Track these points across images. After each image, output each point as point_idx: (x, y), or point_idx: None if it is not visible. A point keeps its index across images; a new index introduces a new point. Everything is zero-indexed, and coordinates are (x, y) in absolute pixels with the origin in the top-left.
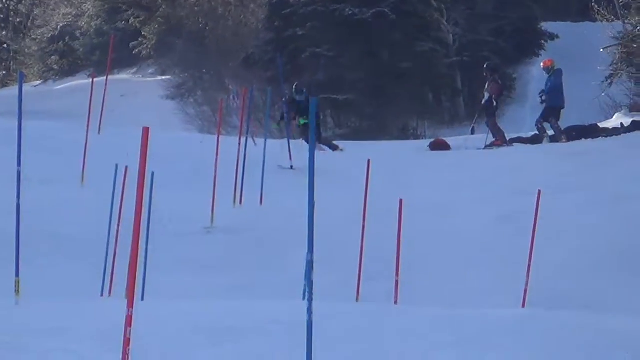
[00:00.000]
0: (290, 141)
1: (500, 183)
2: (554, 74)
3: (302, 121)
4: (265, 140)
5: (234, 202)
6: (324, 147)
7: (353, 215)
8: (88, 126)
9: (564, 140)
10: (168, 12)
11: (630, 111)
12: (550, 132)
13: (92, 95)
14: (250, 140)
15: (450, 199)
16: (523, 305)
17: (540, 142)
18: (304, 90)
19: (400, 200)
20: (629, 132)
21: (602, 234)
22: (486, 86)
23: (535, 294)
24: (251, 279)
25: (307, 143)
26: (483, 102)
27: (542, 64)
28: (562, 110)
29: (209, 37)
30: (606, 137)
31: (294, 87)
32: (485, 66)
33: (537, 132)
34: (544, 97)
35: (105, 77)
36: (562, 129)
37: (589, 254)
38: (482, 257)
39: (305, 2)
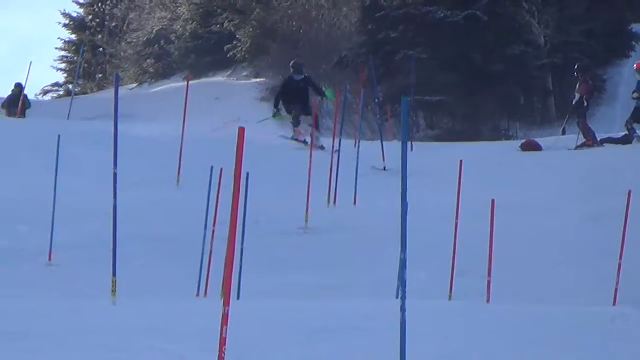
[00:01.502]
0: (384, 142)
1: (591, 183)
2: None
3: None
4: (359, 141)
5: (328, 202)
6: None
7: (445, 214)
8: (183, 128)
9: None
10: (262, 16)
11: None
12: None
13: (187, 97)
14: (344, 141)
15: (541, 199)
16: (614, 304)
17: (630, 143)
18: (303, 70)
19: (492, 200)
20: None
21: None
22: (577, 87)
23: (625, 292)
24: (345, 278)
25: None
26: (574, 102)
27: (634, 66)
28: None
29: (302, 39)
30: None
31: (291, 64)
32: (575, 67)
33: (626, 133)
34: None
35: (200, 81)
36: None
37: None
38: (573, 255)
39: (397, 5)
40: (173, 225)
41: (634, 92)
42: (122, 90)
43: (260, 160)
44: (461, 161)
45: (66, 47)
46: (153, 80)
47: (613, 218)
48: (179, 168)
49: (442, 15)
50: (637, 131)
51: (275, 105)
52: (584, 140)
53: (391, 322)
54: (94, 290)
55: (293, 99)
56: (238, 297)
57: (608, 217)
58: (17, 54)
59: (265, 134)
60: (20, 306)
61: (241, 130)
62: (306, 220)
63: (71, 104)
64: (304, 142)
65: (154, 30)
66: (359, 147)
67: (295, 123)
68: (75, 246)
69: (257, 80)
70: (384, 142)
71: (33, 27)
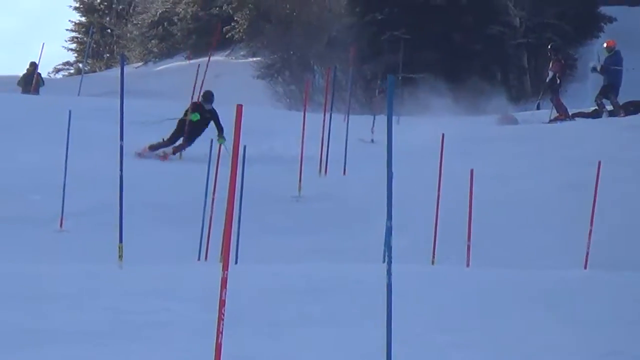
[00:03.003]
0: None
1: (564, 154)
2: (614, 55)
3: (194, 117)
4: (348, 115)
5: (319, 172)
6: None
7: (428, 184)
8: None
9: (622, 115)
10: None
11: None
12: (609, 107)
13: (193, 76)
14: (335, 115)
15: (517, 169)
16: (585, 267)
17: (600, 117)
18: (213, 100)
19: (471, 170)
20: None
21: None
22: (550, 65)
23: (596, 256)
24: (335, 244)
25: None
26: (547, 79)
27: (605, 44)
28: (619, 88)
29: (295, 21)
30: None
31: (202, 95)
32: (549, 47)
33: (596, 107)
34: (595, 67)
35: (201, 60)
36: (620, 104)
37: None
38: (548, 222)
39: None
40: (176, 194)
41: (593, 67)
42: (128, 69)
43: (257, 134)
44: (443, 134)
45: (77, 29)
46: (157, 59)
47: (584, 187)
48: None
49: None
50: (606, 106)
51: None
52: (557, 114)
53: (378, 284)
54: (102, 256)
55: (192, 127)
56: (236, 262)
57: (580, 186)
58: (29, 29)
59: (261, 109)
60: (32, 270)
61: (239, 107)
62: (299, 190)
63: (81, 82)
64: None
65: (158, 13)
66: (348, 120)
67: (168, 144)
68: (85, 214)
69: (254, 59)
70: (370, 116)
71: (42, 3)
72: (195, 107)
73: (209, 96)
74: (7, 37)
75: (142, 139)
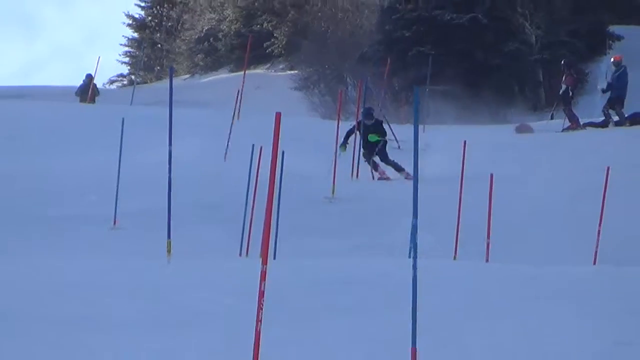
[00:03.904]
0: (397, 125)
1: (576, 160)
2: (621, 70)
3: (372, 138)
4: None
5: (352, 176)
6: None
7: (451, 186)
8: (237, 113)
9: (628, 125)
10: (296, 17)
11: None
12: (615, 118)
13: (236, 87)
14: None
15: (533, 174)
16: (594, 263)
17: (607, 126)
18: (373, 114)
19: (491, 175)
20: None
21: None
22: (563, 79)
23: (604, 253)
24: (365, 241)
25: (375, 162)
26: (560, 92)
27: (612, 58)
28: (624, 99)
29: (330, 38)
30: None
31: (363, 110)
32: (562, 62)
33: (604, 118)
34: (603, 89)
35: (241, 72)
36: (626, 115)
37: None
38: (561, 222)
39: (411, 9)
40: (220, 195)
41: (602, 89)
42: (176, 81)
43: (294, 140)
44: (465, 141)
45: (129, 44)
46: (203, 72)
47: (594, 190)
48: (227, 145)
49: (449, 17)
50: (612, 117)
51: (345, 141)
52: (570, 124)
53: (404, 278)
54: (152, 251)
55: (364, 143)
56: (274, 258)
57: (590, 189)
58: (85, 43)
59: (298, 118)
60: (88, 264)
61: (278, 115)
62: (332, 191)
63: (134, 92)
64: (388, 178)
65: (204, 30)
66: None
67: (374, 167)
68: (136, 213)
69: (292, 72)
70: (397, 125)
71: (100, 17)
72: (359, 125)
73: (368, 113)
74: (64, 50)
75: (189, 145)
